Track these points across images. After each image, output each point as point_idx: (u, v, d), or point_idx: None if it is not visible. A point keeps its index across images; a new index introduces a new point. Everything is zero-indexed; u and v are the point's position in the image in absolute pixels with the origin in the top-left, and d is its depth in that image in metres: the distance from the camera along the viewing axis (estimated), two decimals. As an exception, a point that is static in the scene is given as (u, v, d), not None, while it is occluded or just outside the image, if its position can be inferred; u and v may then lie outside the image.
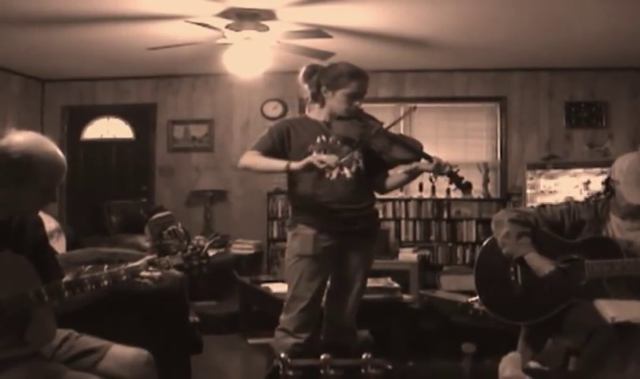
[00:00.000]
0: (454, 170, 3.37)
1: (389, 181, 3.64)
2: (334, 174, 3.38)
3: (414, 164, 3.45)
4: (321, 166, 3.19)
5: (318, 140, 3.43)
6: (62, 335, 2.45)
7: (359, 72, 3.44)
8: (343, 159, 3.31)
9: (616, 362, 2.85)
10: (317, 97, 3.53)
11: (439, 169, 3.34)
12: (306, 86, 3.56)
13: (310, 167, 3.23)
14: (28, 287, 2.21)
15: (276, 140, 3.46)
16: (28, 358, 2.22)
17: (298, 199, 3.49)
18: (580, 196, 6.69)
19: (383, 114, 8.22)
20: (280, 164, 3.35)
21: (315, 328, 3.49)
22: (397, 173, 3.63)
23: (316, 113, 3.56)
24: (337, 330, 3.54)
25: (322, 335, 3.59)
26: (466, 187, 3.42)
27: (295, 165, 3.28)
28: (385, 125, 3.48)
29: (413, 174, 3.54)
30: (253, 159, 3.46)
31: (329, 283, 3.56)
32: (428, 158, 3.39)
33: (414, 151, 3.42)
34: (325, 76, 3.47)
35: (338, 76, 3.42)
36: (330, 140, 3.43)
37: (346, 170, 3.41)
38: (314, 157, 3.24)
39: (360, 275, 3.53)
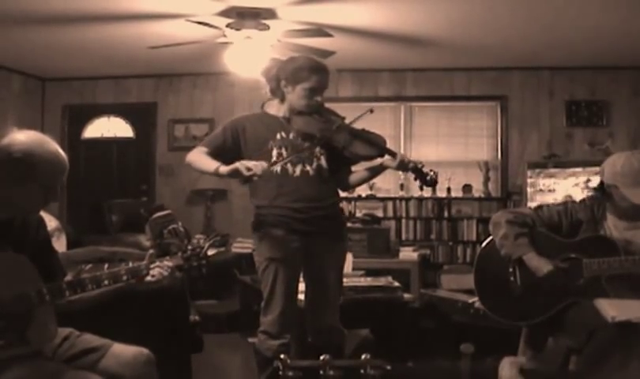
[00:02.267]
0: (419, 165, 3.29)
1: (353, 178, 3.53)
2: (297, 172, 3.30)
3: (377, 160, 3.39)
4: (247, 173, 3.09)
5: (278, 136, 3.35)
6: (63, 334, 2.45)
7: (320, 66, 3.36)
8: (278, 164, 3.22)
9: (617, 361, 2.85)
10: (276, 92, 3.44)
11: (403, 165, 3.27)
12: (265, 80, 3.48)
13: (235, 173, 3.15)
14: (30, 287, 2.21)
15: (228, 137, 3.38)
16: (29, 357, 2.23)
17: (261, 198, 3.39)
18: (580, 195, 6.68)
19: (383, 112, 8.34)
20: (210, 166, 3.28)
21: (298, 327, 3.47)
22: (360, 169, 3.53)
23: (275, 108, 3.47)
24: (323, 332, 3.47)
25: (309, 338, 3.53)
26: (431, 183, 3.35)
27: (223, 169, 3.21)
28: (346, 121, 3.40)
29: (377, 171, 3.47)
30: (196, 156, 3.37)
31: (304, 285, 3.51)
32: (392, 154, 3.33)
33: (377, 146, 3.36)
34: (284, 70, 3.37)
35: (298, 70, 3.32)
36: (290, 136, 3.35)
37: (308, 168, 3.33)
38: (241, 163, 3.13)
39: (334, 275, 3.45)
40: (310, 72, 3.31)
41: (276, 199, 3.31)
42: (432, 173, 3.34)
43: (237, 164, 3.13)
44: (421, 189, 3.49)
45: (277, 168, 3.30)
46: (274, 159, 3.31)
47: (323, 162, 3.36)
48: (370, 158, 3.40)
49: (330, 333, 3.47)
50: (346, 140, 3.31)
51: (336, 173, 3.44)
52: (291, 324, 3.41)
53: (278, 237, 3.32)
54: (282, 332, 3.35)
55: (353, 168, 3.54)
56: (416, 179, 3.34)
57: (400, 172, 3.33)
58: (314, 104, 3.35)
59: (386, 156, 3.35)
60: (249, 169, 3.09)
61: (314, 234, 3.35)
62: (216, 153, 3.37)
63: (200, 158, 3.36)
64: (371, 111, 3.45)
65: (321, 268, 3.43)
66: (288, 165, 3.30)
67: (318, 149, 3.33)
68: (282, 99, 3.43)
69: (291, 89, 3.35)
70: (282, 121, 3.40)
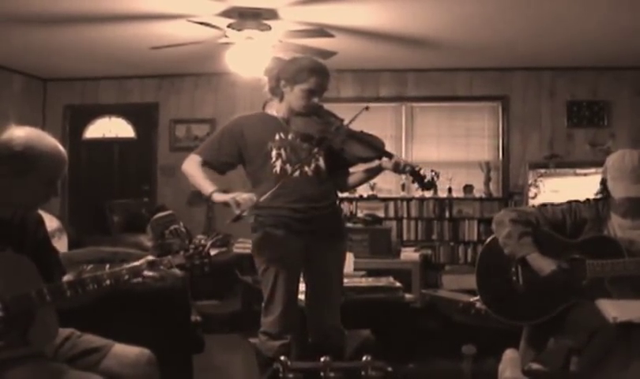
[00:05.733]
0: (416, 168, 3.30)
1: (351, 179, 3.55)
2: (297, 173, 3.29)
3: (375, 162, 3.39)
4: (237, 210, 3.11)
5: (277, 137, 3.35)
6: (64, 334, 2.45)
7: (320, 68, 3.34)
8: (261, 199, 3.19)
9: (618, 361, 2.85)
10: (275, 91, 3.43)
11: (400, 167, 3.28)
12: (266, 79, 3.47)
13: (227, 206, 3.18)
14: (31, 287, 2.21)
15: (225, 145, 3.40)
16: (31, 357, 2.23)
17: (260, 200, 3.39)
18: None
19: (385, 113, 8.33)
20: (206, 188, 3.29)
21: (299, 327, 3.47)
22: (358, 170, 3.54)
23: (275, 108, 3.46)
24: (323, 332, 3.47)
25: (310, 338, 3.53)
26: (429, 186, 3.36)
27: (217, 197, 3.24)
28: (345, 122, 3.40)
29: (374, 172, 3.48)
30: (192, 169, 3.38)
31: (305, 285, 3.51)
32: (389, 156, 3.34)
33: (375, 148, 3.36)
34: (284, 70, 3.36)
35: (298, 71, 3.31)
36: (289, 137, 3.35)
37: (306, 168, 3.33)
38: (233, 198, 3.14)
39: (335, 275, 3.47)
40: (310, 73, 3.30)
41: (275, 200, 3.29)
42: (432, 174, 3.36)
43: (229, 198, 3.15)
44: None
45: (276, 169, 3.32)
46: (273, 160, 3.33)
47: (321, 163, 3.37)
48: (368, 160, 3.40)
49: (331, 334, 3.47)
50: (344, 142, 3.31)
51: (334, 174, 3.44)
52: (292, 325, 3.41)
53: (278, 238, 3.33)
54: (283, 333, 3.36)
55: (351, 169, 3.55)
56: (413, 182, 3.35)
57: (401, 174, 3.32)
58: (311, 106, 3.34)
59: (384, 158, 3.35)
60: (238, 204, 3.11)
61: (314, 235, 3.35)
62: (212, 161, 3.40)
63: (195, 174, 3.37)
64: (367, 109, 3.45)
65: (321, 268, 3.43)
66: (287, 165, 3.30)
67: (316, 150, 3.31)
68: (281, 99, 3.42)
69: (289, 89, 3.35)
70: (281, 121, 3.40)
